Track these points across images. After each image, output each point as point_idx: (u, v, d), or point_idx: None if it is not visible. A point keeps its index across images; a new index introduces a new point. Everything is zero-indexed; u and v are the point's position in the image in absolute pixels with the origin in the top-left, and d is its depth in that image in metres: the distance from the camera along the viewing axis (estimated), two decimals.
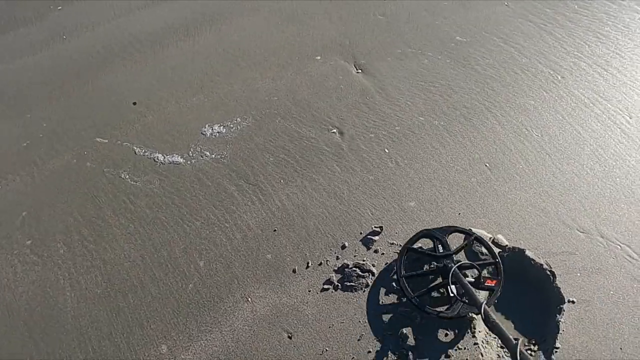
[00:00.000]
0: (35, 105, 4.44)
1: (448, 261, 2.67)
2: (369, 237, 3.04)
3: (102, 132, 4.04)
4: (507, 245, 2.89)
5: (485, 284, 2.60)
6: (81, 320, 2.84)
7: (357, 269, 2.87)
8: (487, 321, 2.35)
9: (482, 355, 2.49)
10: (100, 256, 3.15)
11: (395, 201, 3.22)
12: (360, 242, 3.03)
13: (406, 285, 2.64)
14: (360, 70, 4.26)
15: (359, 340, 2.59)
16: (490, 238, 2.92)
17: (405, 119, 3.75)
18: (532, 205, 3.10)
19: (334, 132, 3.73)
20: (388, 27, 4.71)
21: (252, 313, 2.76)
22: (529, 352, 2.52)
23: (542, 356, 2.47)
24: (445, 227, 2.91)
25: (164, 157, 3.72)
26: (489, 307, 2.47)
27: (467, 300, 2.50)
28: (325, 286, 2.84)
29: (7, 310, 2.94)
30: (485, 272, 2.75)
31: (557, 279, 2.72)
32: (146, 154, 3.78)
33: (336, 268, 2.92)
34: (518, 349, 2.12)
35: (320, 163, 3.51)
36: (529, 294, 2.75)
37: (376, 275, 2.85)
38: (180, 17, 5.24)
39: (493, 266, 2.73)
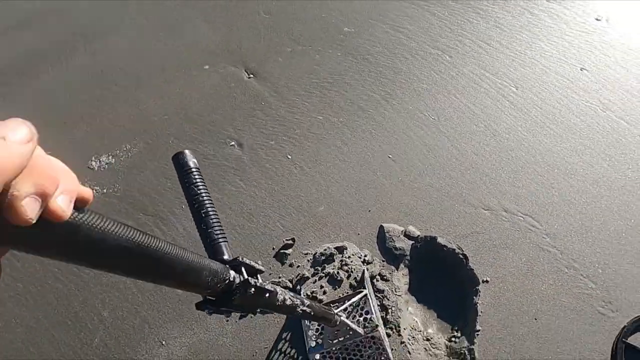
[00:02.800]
0: None
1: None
2: (281, 251, 2.98)
3: None
4: (419, 236, 2.94)
5: None
6: None
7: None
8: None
9: (409, 353, 2.52)
10: None
11: (304, 209, 3.17)
12: (274, 259, 2.96)
13: None
14: (252, 75, 4.16)
15: None
16: (401, 231, 2.96)
17: (303, 121, 3.71)
18: (437, 190, 3.18)
19: (232, 145, 3.61)
20: (275, 25, 4.64)
21: (168, 358, 2.61)
22: (454, 338, 2.59)
23: (466, 341, 2.54)
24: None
25: None
26: None
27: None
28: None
29: None
30: None
31: (470, 260, 2.80)
32: None
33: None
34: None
35: (223, 180, 3.39)
36: (447, 281, 2.82)
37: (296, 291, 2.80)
38: (48, 41, 4.86)
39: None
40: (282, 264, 2.93)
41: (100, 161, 3.64)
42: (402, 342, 2.56)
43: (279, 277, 2.85)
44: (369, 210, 3.13)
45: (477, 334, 2.54)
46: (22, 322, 2.84)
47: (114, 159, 3.65)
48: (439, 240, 2.90)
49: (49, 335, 2.76)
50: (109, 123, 3.94)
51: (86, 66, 4.53)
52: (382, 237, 2.98)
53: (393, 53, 4.18)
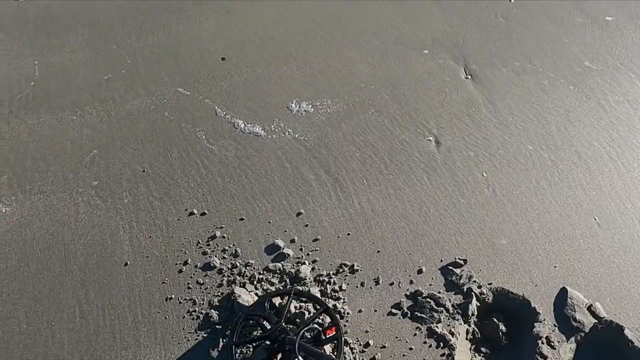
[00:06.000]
0: (122, 39, 4.44)
1: (283, 335, 2.36)
2: (449, 267, 2.89)
3: (185, 82, 3.99)
4: (604, 318, 2.67)
5: (327, 336, 2.42)
6: (135, 279, 2.83)
7: (431, 301, 2.73)
8: None
9: None
10: (163, 216, 3.13)
11: (485, 234, 3.03)
12: (439, 271, 2.88)
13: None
14: (469, 76, 4.02)
15: None
16: (586, 304, 2.71)
17: (511, 144, 3.52)
18: None
19: (429, 139, 3.55)
20: (508, 33, 4.42)
21: None
22: None
23: None
24: (260, 298, 2.60)
25: (245, 125, 3.64)
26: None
27: None
28: (394, 310, 2.72)
29: (64, 250, 2.97)
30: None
31: None
32: (227, 116, 3.71)
33: (408, 293, 2.78)
34: None
35: (410, 171, 3.35)
36: None
37: (450, 312, 2.70)
38: None
39: (325, 314, 2.55)
40: (446, 280, 2.84)
41: (300, 106, 3.78)
42: None
43: (439, 292, 2.77)
44: (555, 266, 2.90)
45: None
46: (193, 225, 3.08)
47: (312, 109, 3.77)
48: (627, 332, 2.60)
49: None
50: (317, 72, 4.07)
51: (308, 9, 4.68)
52: (561, 300, 2.75)
53: (634, 108, 3.77)
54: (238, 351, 2.52)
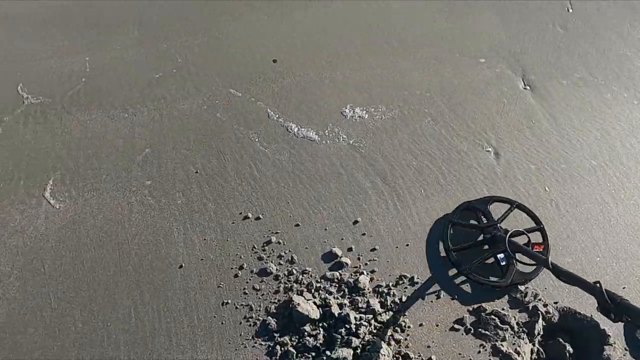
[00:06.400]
0: (172, 37, 4.45)
1: (495, 230, 2.84)
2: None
3: (236, 83, 3.97)
4: None
5: (534, 250, 2.69)
6: (190, 282, 2.80)
7: (495, 318, 2.64)
8: (560, 273, 2.20)
9: None
10: (217, 219, 3.10)
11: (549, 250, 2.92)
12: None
13: (456, 258, 2.81)
14: (528, 87, 3.92)
15: None
16: None
17: (574, 159, 3.41)
18: None
19: (488, 150, 3.45)
20: (568, 43, 4.30)
21: None
22: None
23: None
24: (486, 197, 3.11)
25: (298, 129, 3.60)
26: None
27: (527, 261, 2.74)
28: (456, 325, 2.63)
29: (118, 249, 2.96)
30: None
31: None
32: (280, 120, 3.67)
33: (471, 309, 2.70)
34: (603, 289, 1.95)
35: (469, 182, 3.26)
36: None
37: (515, 331, 2.61)
38: None
39: (538, 231, 2.94)
40: (510, 296, 2.74)
41: (354, 112, 3.73)
42: None
43: (502, 309, 2.67)
44: (624, 287, 2.79)
45: None
46: (248, 230, 3.04)
47: (367, 115, 3.70)
48: None
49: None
50: (370, 78, 4.01)
51: (361, 15, 4.62)
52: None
53: None
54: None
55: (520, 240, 2.70)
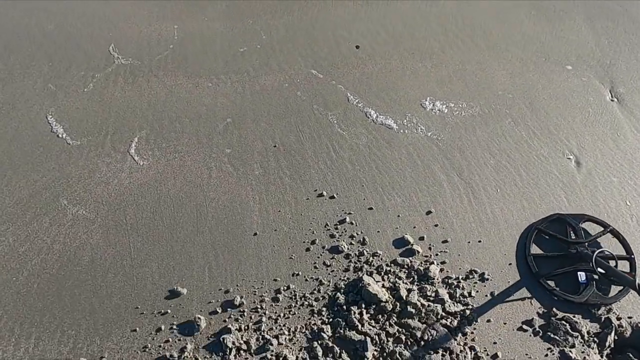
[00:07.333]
0: (258, 14, 4.56)
1: (582, 248, 2.83)
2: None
3: (318, 65, 4.05)
4: None
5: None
6: (263, 250, 2.90)
7: (566, 324, 2.62)
8: None
9: None
10: (293, 193, 3.18)
11: None
12: None
13: (534, 263, 2.83)
14: (615, 99, 3.83)
15: None
16: None
17: None
18: None
19: (569, 157, 3.41)
20: None
21: None
22: None
23: None
24: (580, 214, 3.07)
25: (377, 116, 3.64)
26: None
27: (613, 282, 2.74)
28: (524, 326, 2.63)
29: (196, 210, 3.09)
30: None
31: None
32: (359, 105, 3.72)
33: (541, 312, 2.69)
34: None
35: (547, 187, 3.23)
36: None
37: (585, 339, 2.58)
38: None
39: (627, 261, 2.89)
40: None
41: (434, 105, 3.74)
42: None
43: (574, 316, 2.65)
44: None
45: None
46: (322, 207, 3.11)
47: (447, 109, 3.71)
48: None
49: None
50: (452, 73, 4.01)
51: (450, 12, 4.62)
52: None
53: None
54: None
55: None
